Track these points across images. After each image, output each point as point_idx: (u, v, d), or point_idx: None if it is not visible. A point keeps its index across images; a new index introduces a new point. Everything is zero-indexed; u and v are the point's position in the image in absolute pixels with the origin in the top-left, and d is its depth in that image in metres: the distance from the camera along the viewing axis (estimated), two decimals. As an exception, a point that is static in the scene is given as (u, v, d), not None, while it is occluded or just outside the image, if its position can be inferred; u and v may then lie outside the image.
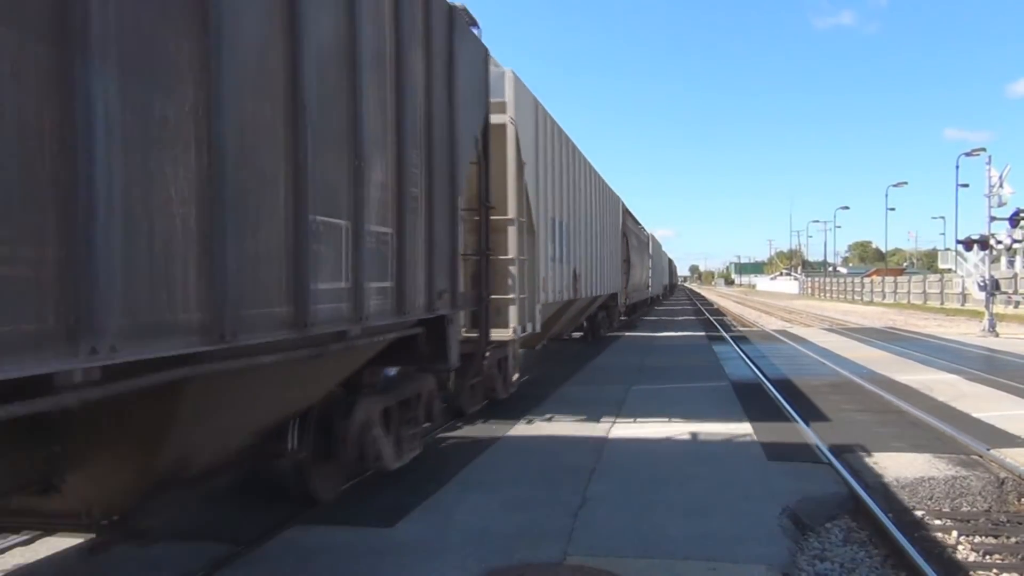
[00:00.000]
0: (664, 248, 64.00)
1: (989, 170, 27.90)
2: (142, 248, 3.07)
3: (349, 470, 6.56)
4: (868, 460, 8.09)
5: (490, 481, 7.14)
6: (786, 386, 13.42)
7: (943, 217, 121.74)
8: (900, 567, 5.38)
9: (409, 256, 5.76)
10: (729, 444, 8.71)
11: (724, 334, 26.59)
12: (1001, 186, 27.40)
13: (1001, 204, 27.34)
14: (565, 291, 13.97)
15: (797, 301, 69.83)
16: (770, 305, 59.58)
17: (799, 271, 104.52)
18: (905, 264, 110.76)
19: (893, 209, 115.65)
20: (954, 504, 6.89)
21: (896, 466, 7.83)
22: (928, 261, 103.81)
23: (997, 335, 25.33)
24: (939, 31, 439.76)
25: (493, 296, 8.81)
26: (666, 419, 10.18)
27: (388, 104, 5.46)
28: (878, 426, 9.92)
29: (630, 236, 27.30)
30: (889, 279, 64.78)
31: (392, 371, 6.88)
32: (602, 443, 8.73)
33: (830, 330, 29.38)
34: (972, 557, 5.74)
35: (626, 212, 27.01)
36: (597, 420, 10.10)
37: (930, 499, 6.99)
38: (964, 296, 45.53)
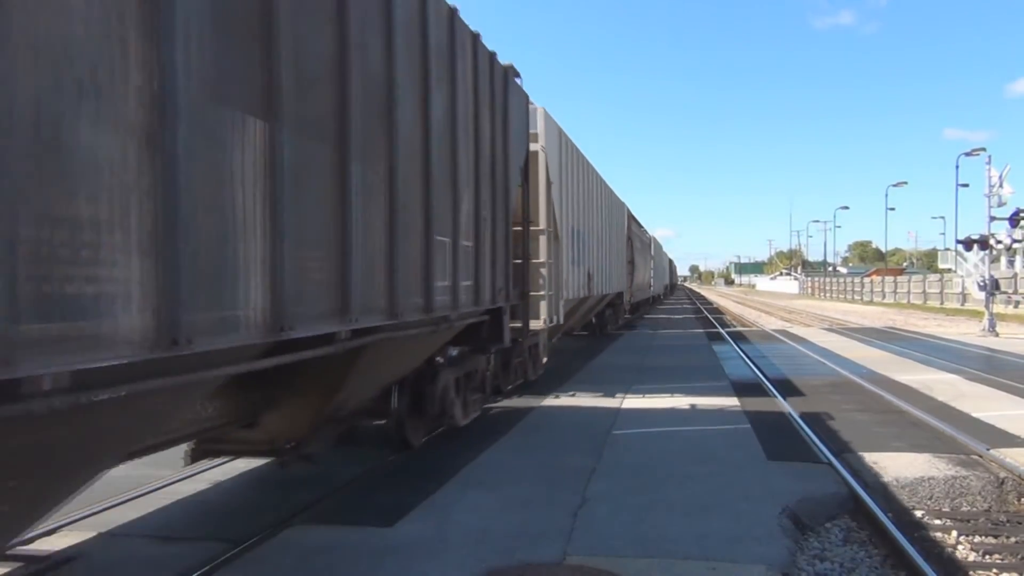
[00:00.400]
0: (664, 248, 64.25)
1: (989, 170, 27.92)
2: (365, 263, 5.16)
3: (431, 425, 8.65)
4: (868, 460, 8.09)
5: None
6: (786, 386, 13.42)
7: (943, 217, 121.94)
8: (900, 567, 5.38)
9: (482, 262, 7.87)
10: (728, 444, 8.71)
11: (724, 334, 26.60)
12: (1001, 186, 27.40)
13: (1001, 204, 27.35)
14: (581, 289, 16.14)
15: (797, 301, 69.83)
16: (770, 305, 59.59)
17: (799, 271, 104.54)
18: (905, 264, 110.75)
19: (893, 209, 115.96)
20: (954, 504, 6.89)
21: (896, 466, 7.83)
22: (928, 261, 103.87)
23: (997, 335, 25.34)
24: (938, 30, 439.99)
25: (530, 293, 10.89)
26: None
27: (470, 152, 7.58)
28: (878, 426, 9.92)
29: (634, 239, 28.97)
30: (889, 279, 64.77)
31: (454, 351, 8.77)
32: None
33: (830, 330, 29.38)
34: (972, 557, 5.74)
35: (631, 217, 28.69)
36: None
37: (930, 499, 6.99)
38: (964, 296, 45.54)
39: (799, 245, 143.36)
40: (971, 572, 5.43)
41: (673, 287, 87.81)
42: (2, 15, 2.41)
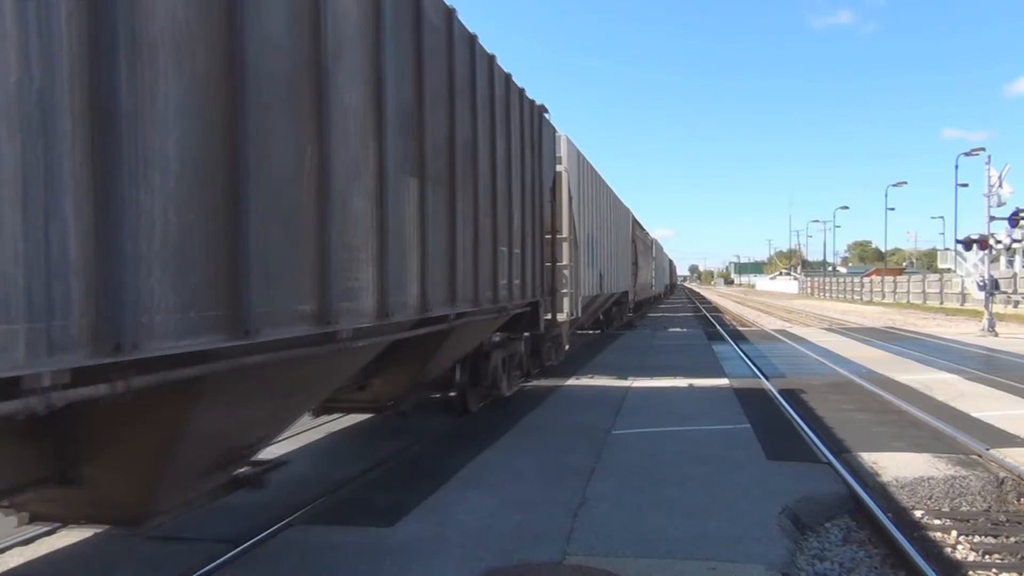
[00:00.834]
0: (664, 248, 64.34)
1: (988, 170, 27.89)
2: (463, 266, 7.16)
3: (484, 395, 10.90)
4: (867, 460, 8.09)
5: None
6: (785, 385, 13.42)
7: (942, 217, 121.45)
8: (899, 567, 5.38)
9: (526, 265, 10.06)
10: (728, 443, 8.71)
11: (723, 333, 26.60)
12: (1000, 186, 27.38)
13: (1000, 204, 27.33)
14: (595, 288, 18.56)
15: (796, 301, 69.84)
16: (769, 305, 59.60)
17: (799, 271, 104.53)
18: (904, 264, 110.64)
19: (892, 209, 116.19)
20: (953, 504, 6.89)
21: (895, 466, 7.83)
22: (927, 261, 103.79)
23: (996, 335, 25.33)
24: (937, 30, 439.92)
25: (557, 290, 13.32)
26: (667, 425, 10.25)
27: (517, 180, 9.60)
28: (877, 425, 9.92)
29: (637, 242, 31.23)
30: (888, 279, 64.76)
31: (497, 337, 10.80)
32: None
33: (829, 330, 29.38)
34: (971, 557, 5.74)
35: (635, 222, 31.04)
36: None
37: (929, 499, 6.99)
38: (963, 296, 45.51)
39: (799, 245, 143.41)
40: (971, 572, 5.43)
41: (673, 287, 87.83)
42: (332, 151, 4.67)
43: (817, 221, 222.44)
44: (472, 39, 7.67)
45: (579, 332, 22.95)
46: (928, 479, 7.36)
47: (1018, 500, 6.97)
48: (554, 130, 12.59)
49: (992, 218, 27.40)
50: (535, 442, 8.92)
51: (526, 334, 11.85)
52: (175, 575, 4.99)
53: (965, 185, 35.77)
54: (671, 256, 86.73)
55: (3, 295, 2.52)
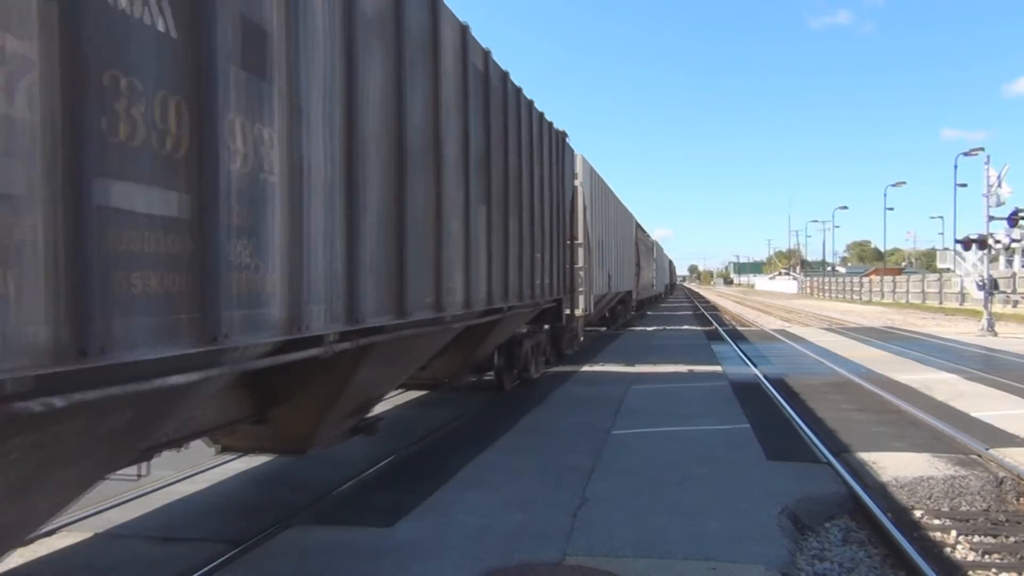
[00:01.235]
0: (664, 248, 64.47)
1: (987, 170, 27.90)
2: (513, 269, 9.22)
3: (516, 377, 12.84)
4: (867, 459, 8.09)
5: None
6: (785, 386, 13.44)
7: (941, 217, 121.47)
8: (899, 567, 5.38)
9: (552, 267, 12.05)
10: (728, 443, 8.72)
11: (723, 333, 26.61)
12: (999, 186, 27.39)
13: (999, 204, 27.34)
14: (604, 287, 20.87)
15: (796, 301, 69.85)
16: (769, 305, 59.61)
17: (798, 271, 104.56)
18: (904, 264, 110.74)
19: (892, 209, 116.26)
20: (953, 504, 6.90)
21: (895, 465, 7.83)
22: (927, 261, 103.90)
23: (996, 334, 25.35)
24: (936, 30, 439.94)
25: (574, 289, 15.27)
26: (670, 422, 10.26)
27: (546, 197, 11.62)
28: (877, 425, 9.93)
29: (640, 244, 33.32)
30: (888, 279, 64.78)
31: (524, 328, 12.46)
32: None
33: (829, 329, 29.39)
34: (971, 556, 5.74)
35: (637, 226, 33.34)
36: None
37: (929, 499, 6.99)
38: (963, 295, 45.52)
39: (798, 245, 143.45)
40: (970, 572, 5.44)
41: (672, 287, 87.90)
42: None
43: (816, 221, 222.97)
44: (518, 91, 9.71)
45: (587, 328, 23.20)
46: (928, 479, 7.37)
47: (1017, 500, 6.98)
48: (573, 152, 15.08)
49: (991, 218, 27.42)
50: (535, 442, 8.94)
51: (546, 326, 13.80)
52: (175, 575, 4.99)
53: (964, 185, 35.79)
54: (670, 256, 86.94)
55: (317, 290, 4.42)
